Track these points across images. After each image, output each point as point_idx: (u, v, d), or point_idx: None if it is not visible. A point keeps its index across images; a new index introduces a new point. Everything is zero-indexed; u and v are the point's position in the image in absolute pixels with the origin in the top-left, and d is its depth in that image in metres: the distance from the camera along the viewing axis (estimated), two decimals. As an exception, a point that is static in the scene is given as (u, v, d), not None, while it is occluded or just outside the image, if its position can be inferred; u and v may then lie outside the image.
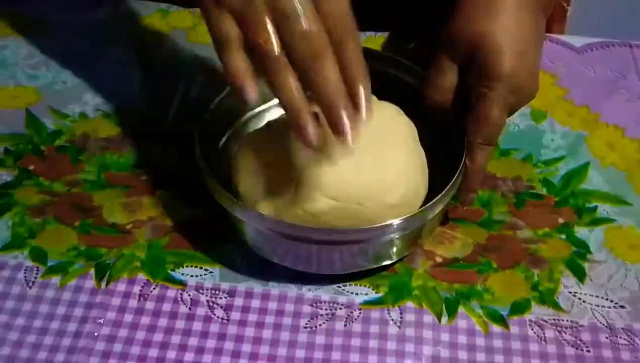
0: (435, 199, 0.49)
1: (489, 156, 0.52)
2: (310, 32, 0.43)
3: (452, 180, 0.50)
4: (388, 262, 0.52)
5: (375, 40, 0.69)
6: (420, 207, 0.50)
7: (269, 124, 0.55)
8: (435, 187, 0.51)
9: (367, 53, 0.59)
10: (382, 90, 0.57)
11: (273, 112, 0.59)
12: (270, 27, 0.43)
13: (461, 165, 0.50)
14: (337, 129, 0.43)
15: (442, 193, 0.49)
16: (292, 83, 0.43)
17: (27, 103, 0.64)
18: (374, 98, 0.54)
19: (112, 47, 0.68)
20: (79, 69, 0.67)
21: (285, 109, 0.44)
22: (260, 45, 0.43)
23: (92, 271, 0.52)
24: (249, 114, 0.59)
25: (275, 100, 0.56)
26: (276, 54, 0.43)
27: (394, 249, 0.51)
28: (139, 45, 0.68)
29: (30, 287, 0.51)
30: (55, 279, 0.52)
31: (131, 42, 0.69)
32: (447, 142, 0.55)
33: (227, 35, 0.44)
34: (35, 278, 0.52)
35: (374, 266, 0.52)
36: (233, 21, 0.44)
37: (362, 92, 0.44)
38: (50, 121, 0.62)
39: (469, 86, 0.52)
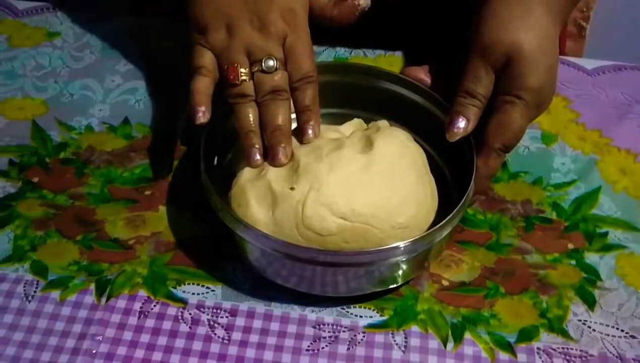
0: (443, 222, 0.48)
1: (501, 163, 0.53)
2: (276, 79, 0.51)
3: (460, 204, 0.49)
4: (394, 286, 0.51)
5: (385, 58, 0.68)
6: (427, 230, 0.49)
7: None
8: (440, 214, 0.51)
9: (376, 73, 0.59)
10: (391, 109, 0.57)
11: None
12: (244, 65, 0.51)
13: (468, 191, 0.49)
14: (272, 159, 0.51)
15: (450, 215, 0.48)
16: (250, 112, 0.52)
17: (34, 115, 0.63)
18: (386, 123, 0.54)
19: (120, 60, 0.68)
20: (87, 81, 0.66)
21: (239, 133, 0.52)
22: (233, 77, 0.51)
23: (93, 286, 0.52)
24: None
25: None
26: (243, 87, 0.51)
27: (400, 272, 0.50)
28: (148, 59, 0.68)
29: (30, 301, 0.51)
30: (55, 294, 0.51)
31: (140, 56, 0.68)
32: (454, 165, 0.55)
33: (203, 64, 0.53)
34: (35, 292, 0.51)
35: (380, 289, 0.51)
36: (212, 56, 0.53)
37: (307, 134, 0.52)
38: (56, 133, 0.62)
39: (496, 92, 0.52)
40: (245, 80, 0.51)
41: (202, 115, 0.52)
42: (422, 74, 0.58)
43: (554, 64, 0.53)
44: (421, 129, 0.56)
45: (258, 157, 0.51)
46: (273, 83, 0.51)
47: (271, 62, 0.51)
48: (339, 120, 0.56)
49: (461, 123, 0.52)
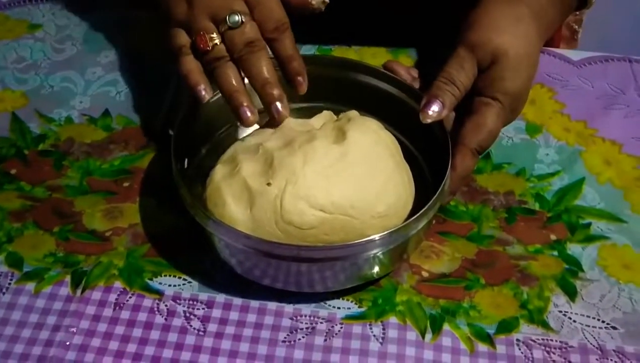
0: (418, 214, 0.47)
1: (475, 163, 0.53)
2: (246, 31, 0.51)
3: (435, 195, 0.48)
4: (373, 279, 0.50)
5: (369, 50, 0.68)
6: (406, 220, 0.49)
7: (245, 138, 0.54)
8: (418, 202, 0.50)
9: (343, 64, 0.58)
10: (361, 100, 0.56)
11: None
12: (210, 29, 0.51)
13: (445, 179, 0.49)
14: (271, 112, 0.51)
15: (426, 207, 0.47)
16: (230, 74, 0.51)
17: (14, 107, 0.63)
18: (356, 113, 0.53)
19: (103, 52, 0.68)
20: (68, 73, 0.66)
21: (224, 96, 0.51)
22: (203, 45, 0.51)
23: (68, 278, 0.51)
24: (230, 126, 0.58)
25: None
26: (216, 51, 0.51)
27: (379, 265, 0.49)
28: (130, 51, 0.67)
29: (4, 293, 0.50)
30: (30, 285, 0.51)
31: (121, 47, 0.68)
32: (428, 153, 0.54)
33: (181, 43, 0.52)
34: (10, 284, 0.51)
35: (358, 283, 0.50)
36: (183, 33, 0.53)
37: (301, 84, 0.52)
38: (35, 125, 0.61)
39: (475, 91, 0.53)
40: (216, 43, 0.51)
41: (205, 92, 0.52)
42: (402, 70, 0.57)
43: (532, 75, 0.54)
44: (392, 118, 0.55)
45: (249, 114, 0.50)
46: (244, 36, 0.51)
47: (236, 17, 0.51)
48: (308, 114, 0.55)
49: (436, 106, 0.51)
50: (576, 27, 0.76)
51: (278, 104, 0.50)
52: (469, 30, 0.53)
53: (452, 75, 0.52)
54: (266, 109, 0.51)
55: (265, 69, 0.51)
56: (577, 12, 0.75)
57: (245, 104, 0.50)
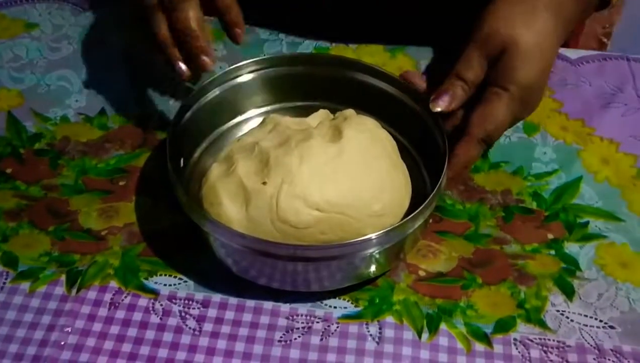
0: (415, 212, 0.47)
1: (480, 153, 0.52)
2: None
3: (432, 194, 0.48)
4: (370, 278, 0.50)
5: (367, 48, 0.68)
6: (403, 218, 0.48)
7: (241, 137, 0.54)
8: (415, 202, 0.50)
9: (352, 64, 0.58)
10: (359, 98, 0.56)
11: (250, 123, 0.58)
12: None
13: (441, 179, 0.49)
14: (197, 64, 0.52)
15: (423, 205, 0.47)
16: (161, 22, 0.52)
17: (10, 106, 0.63)
18: (352, 112, 0.53)
19: (100, 51, 0.67)
20: (65, 72, 0.65)
21: (158, 48, 0.52)
22: None
23: (63, 277, 0.51)
24: (226, 125, 0.58)
25: (251, 113, 0.56)
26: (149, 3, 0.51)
27: (375, 265, 0.49)
28: (126, 49, 0.67)
29: (-2, 293, 0.50)
30: (25, 285, 0.50)
31: (118, 46, 0.67)
32: (426, 152, 0.54)
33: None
34: (4, 283, 0.50)
35: (355, 282, 0.50)
36: None
37: (239, 36, 0.54)
38: (31, 124, 0.61)
39: (487, 82, 0.52)
40: None
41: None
42: (417, 79, 0.57)
43: (547, 68, 0.53)
44: (389, 117, 0.55)
45: (181, 65, 0.52)
46: None
47: None
48: (304, 112, 0.55)
49: (446, 99, 0.51)
50: (605, 40, 0.75)
51: (204, 57, 0.51)
52: (478, 26, 0.53)
53: (461, 74, 0.52)
54: (193, 61, 0.52)
55: (193, 19, 0.51)
56: (607, 25, 0.74)
57: (176, 55, 0.52)
